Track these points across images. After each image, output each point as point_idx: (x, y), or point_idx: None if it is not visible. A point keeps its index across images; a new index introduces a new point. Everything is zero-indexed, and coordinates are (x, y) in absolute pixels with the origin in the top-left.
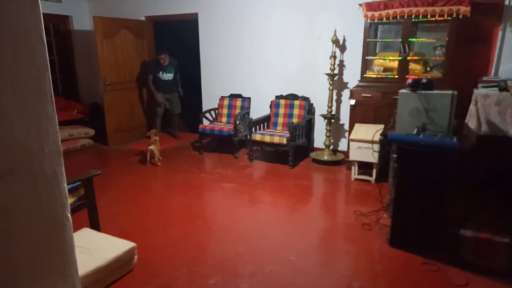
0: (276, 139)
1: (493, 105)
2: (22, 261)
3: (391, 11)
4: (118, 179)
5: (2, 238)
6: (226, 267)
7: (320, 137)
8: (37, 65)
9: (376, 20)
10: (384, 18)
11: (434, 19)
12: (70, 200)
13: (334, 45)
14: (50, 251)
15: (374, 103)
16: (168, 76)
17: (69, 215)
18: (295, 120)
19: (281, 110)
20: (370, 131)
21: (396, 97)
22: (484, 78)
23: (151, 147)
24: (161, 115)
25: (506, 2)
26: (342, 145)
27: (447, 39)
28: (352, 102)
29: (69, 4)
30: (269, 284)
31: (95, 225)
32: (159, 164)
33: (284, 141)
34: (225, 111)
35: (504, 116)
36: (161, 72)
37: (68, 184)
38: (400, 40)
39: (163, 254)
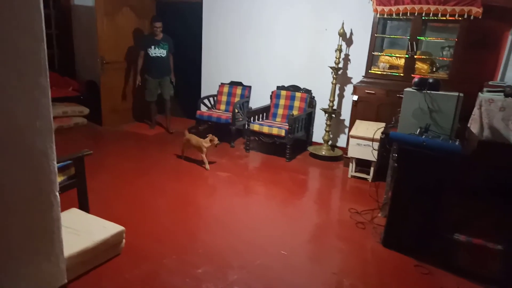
0: (275, 131)
1: (497, 110)
2: (8, 236)
3: (401, 7)
4: (111, 161)
5: None
6: (215, 257)
7: (319, 131)
8: (32, 33)
9: (385, 16)
10: (394, 14)
11: (444, 18)
12: (59, 179)
13: (341, 38)
14: (36, 228)
15: (377, 100)
16: (159, 52)
17: (57, 193)
18: (295, 112)
19: (282, 101)
20: (371, 129)
21: (401, 95)
22: (490, 83)
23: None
24: (154, 102)
25: None
26: (341, 141)
27: (456, 40)
28: (355, 98)
29: None
30: (258, 276)
31: (84, 206)
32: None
33: (283, 133)
34: (224, 98)
35: (508, 123)
36: (152, 47)
37: (58, 162)
38: (408, 37)
39: (152, 240)
